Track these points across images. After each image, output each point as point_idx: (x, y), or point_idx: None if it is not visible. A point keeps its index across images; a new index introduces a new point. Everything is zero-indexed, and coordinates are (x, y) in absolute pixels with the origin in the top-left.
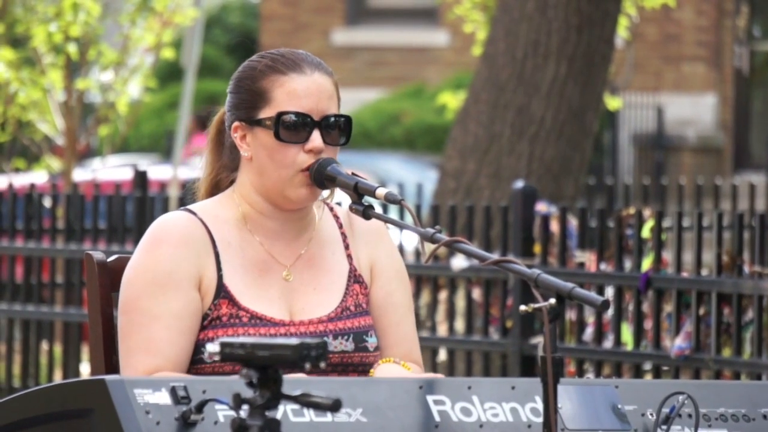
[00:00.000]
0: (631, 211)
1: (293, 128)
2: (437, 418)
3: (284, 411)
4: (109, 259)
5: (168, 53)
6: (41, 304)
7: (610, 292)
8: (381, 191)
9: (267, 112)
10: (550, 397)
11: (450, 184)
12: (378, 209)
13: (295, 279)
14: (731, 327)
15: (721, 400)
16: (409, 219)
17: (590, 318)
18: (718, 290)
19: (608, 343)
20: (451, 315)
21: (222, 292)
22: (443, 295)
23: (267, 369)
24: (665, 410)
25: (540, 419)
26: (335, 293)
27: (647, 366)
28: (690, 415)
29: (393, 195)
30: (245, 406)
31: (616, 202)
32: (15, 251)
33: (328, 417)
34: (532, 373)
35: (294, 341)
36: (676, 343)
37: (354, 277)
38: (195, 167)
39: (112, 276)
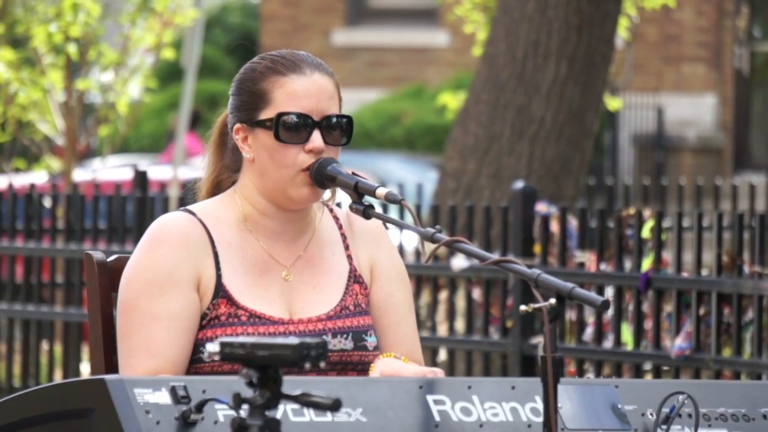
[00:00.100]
0: (631, 211)
1: (293, 129)
2: (437, 418)
3: (284, 411)
4: (109, 259)
5: (168, 54)
6: (41, 304)
7: (610, 292)
8: (381, 191)
9: (267, 114)
10: (550, 397)
11: (450, 184)
12: (378, 209)
13: (295, 279)
14: (731, 327)
15: (721, 400)
16: (409, 219)
17: (590, 318)
18: (718, 290)
19: (608, 343)
20: (451, 315)
21: (221, 291)
22: (443, 295)
23: (267, 369)
24: (665, 410)
25: (540, 419)
26: (335, 292)
27: (647, 366)
28: (690, 415)
29: (393, 195)
30: (245, 406)
31: (616, 202)
32: (15, 251)
33: (328, 417)
34: (532, 373)
35: (294, 341)
36: (676, 343)
37: (354, 277)
38: (196, 167)
39: (112, 276)
